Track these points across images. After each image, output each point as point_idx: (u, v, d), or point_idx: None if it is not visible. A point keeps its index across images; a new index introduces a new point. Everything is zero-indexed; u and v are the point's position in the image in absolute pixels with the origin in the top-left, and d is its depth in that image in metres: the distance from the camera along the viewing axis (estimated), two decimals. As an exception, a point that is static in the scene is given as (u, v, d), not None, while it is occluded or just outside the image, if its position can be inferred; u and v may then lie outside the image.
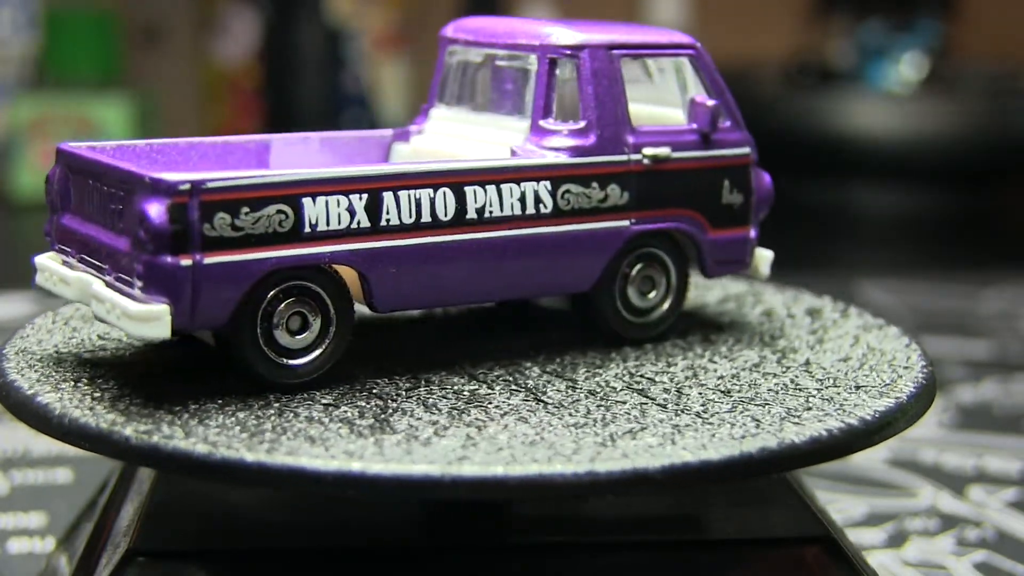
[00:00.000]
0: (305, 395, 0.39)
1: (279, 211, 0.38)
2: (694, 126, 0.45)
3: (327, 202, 0.39)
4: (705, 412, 0.39)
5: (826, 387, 0.41)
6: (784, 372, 0.42)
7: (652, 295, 0.46)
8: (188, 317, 0.37)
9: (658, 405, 0.39)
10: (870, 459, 0.66)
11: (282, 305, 0.39)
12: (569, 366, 0.42)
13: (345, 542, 0.41)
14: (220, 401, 0.38)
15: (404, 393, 0.40)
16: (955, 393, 0.77)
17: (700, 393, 0.40)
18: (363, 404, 0.39)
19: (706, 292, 0.52)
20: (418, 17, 1.44)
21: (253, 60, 1.41)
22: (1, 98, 1.36)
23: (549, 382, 0.41)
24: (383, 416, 0.38)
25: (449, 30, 0.48)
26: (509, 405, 0.39)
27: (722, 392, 0.40)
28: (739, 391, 0.41)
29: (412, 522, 0.42)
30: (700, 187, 0.45)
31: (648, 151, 0.44)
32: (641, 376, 0.42)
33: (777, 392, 0.40)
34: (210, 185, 0.37)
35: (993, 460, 0.67)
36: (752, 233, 0.47)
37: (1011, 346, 0.87)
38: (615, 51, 0.44)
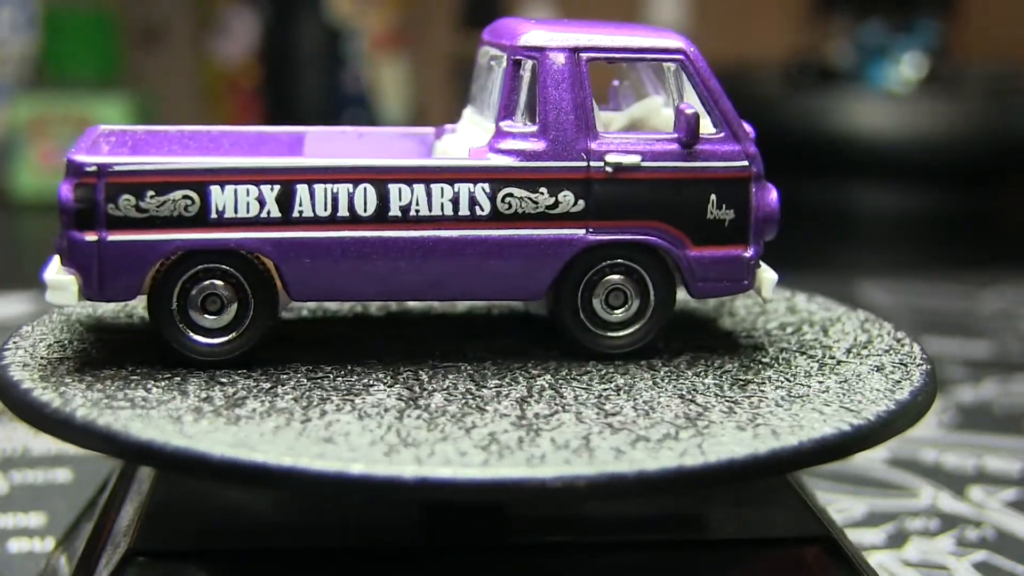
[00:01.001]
0: (306, 396, 0.39)
1: (185, 196, 0.41)
2: (675, 135, 0.43)
3: (236, 191, 0.41)
4: (705, 414, 0.39)
5: (826, 388, 0.41)
6: (784, 373, 0.42)
7: (621, 310, 0.44)
8: (96, 289, 0.41)
9: (659, 407, 0.39)
10: (870, 459, 0.66)
11: (196, 287, 0.41)
12: (569, 371, 0.42)
13: (345, 542, 0.41)
14: (221, 402, 0.38)
15: (424, 394, 0.40)
16: (955, 393, 0.77)
17: (700, 394, 0.40)
18: (382, 404, 0.39)
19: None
20: (418, 17, 1.44)
21: (253, 60, 1.41)
22: (1, 98, 1.36)
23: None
24: (401, 418, 0.38)
25: (485, 30, 0.48)
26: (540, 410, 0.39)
27: (722, 393, 0.40)
28: (739, 392, 0.41)
29: (412, 522, 0.42)
30: (677, 199, 0.43)
31: (611, 158, 0.42)
32: (642, 376, 0.42)
33: (777, 393, 0.40)
34: (116, 168, 0.40)
35: (993, 460, 0.67)
36: (749, 252, 0.44)
37: (1011, 346, 0.87)
38: (581, 54, 0.43)
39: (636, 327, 0.44)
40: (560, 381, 0.41)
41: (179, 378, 0.40)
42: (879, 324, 0.47)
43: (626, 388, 0.41)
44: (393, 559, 0.40)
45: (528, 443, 0.36)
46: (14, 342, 0.43)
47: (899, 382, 0.41)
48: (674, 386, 0.41)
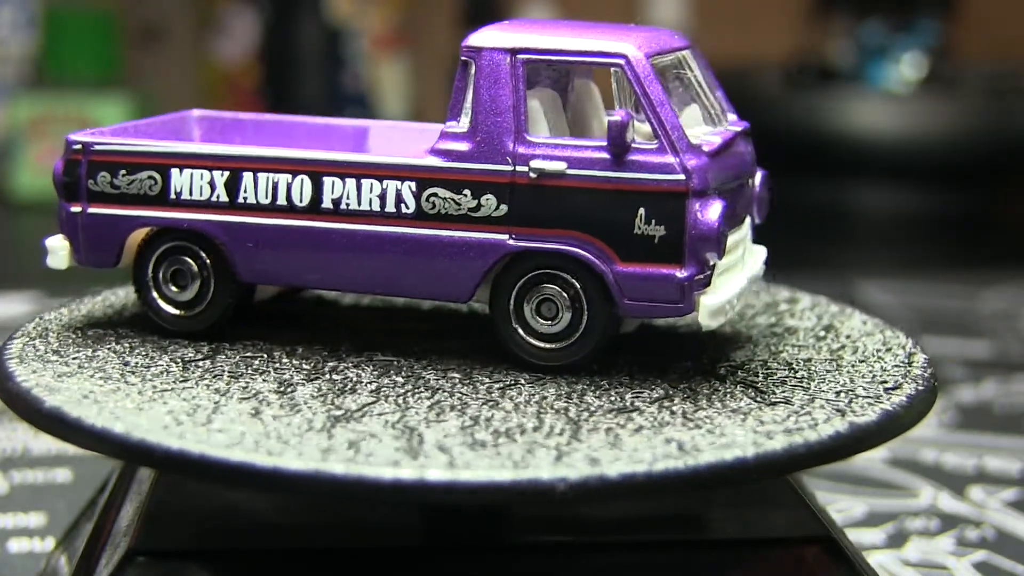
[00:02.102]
0: (307, 399, 0.39)
1: (150, 176, 0.44)
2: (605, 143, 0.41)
3: (192, 175, 0.44)
4: (706, 415, 0.39)
5: (826, 388, 0.41)
6: (784, 374, 0.42)
7: (551, 322, 0.42)
8: (81, 255, 0.45)
9: (660, 408, 0.39)
10: (870, 459, 0.66)
11: (166, 261, 0.45)
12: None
13: (345, 542, 0.41)
14: (222, 403, 0.38)
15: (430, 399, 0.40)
16: (955, 393, 0.77)
17: (700, 395, 0.40)
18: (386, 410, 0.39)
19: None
20: (418, 17, 1.44)
21: (253, 60, 1.41)
22: (1, 98, 1.36)
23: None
24: (410, 423, 0.38)
25: None
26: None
27: (722, 394, 0.40)
28: (740, 393, 0.40)
29: (412, 522, 0.42)
30: (602, 211, 0.41)
31: (535, 164, 0.41)
32: (640, 378, 0.42)
33: (777, 395, 0.40)
34: (96, 147, 0.45)
35: (993, 460, 0.67)
36: (682, 273, 0.40)
37: (1011, 346, 0.87)
38: (519, 55, 0.42)
39: (568, 342, 0.42)
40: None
41: (179, 379, 0.40)
42: (879, 324, 0.47)
43: (618, 388, 0.41)
44: (393, 559, 0.40)
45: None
46: (14, 342, 0.43)
47: (899, 382, 0.41)
48: (674, 386, 0.41)
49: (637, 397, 0.40)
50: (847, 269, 1.08)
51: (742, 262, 0.44)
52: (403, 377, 0.41)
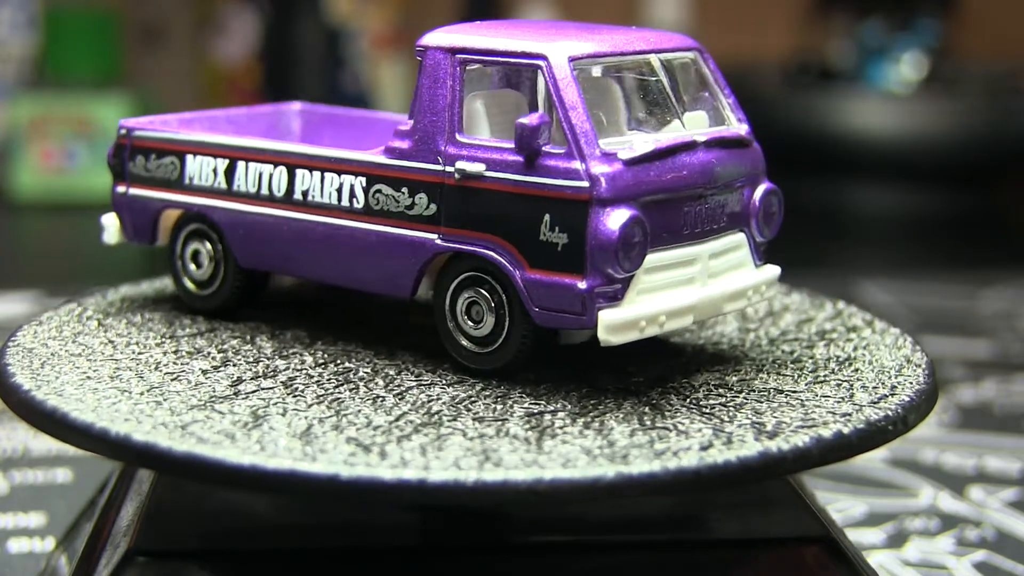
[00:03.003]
0: (307, 399, 0.39)
1: (171, 162, 0.47)
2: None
3: (201, 162, 0.46)
4: (707, 416, 0.39)
5: (828, 389, 0.41)
6: (784, 374, 0.42)
7: (480, 324, 0.41)
8: (127, 232, 0.49)
9: (661, 409, 0.39)
10: (870, 459, 0.66)
11: (188, 243, 0.48)
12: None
13: (345, 542, 0.41)
14: (222, 404, 0.38)
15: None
16: (955, 393, 0.77)
17: (701, 396, 0.40)
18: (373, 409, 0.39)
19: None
20: (418, 17, 1.44)
21: (253, 60, 1.41)
22: (1, 98, 1.36)
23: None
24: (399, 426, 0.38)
25: None
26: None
27: (724, 395, 0.40)
28: (741, 394, 0.40)
29: (412, 522, 0.42)
30: (513, 215, 0.40)
31: (460, 165, 0.41)
32: (640, 379, 0.42)
33: (779, 395, 0.40)
34: (136, 133, 0.48)
35: (993, 460, 0.67)
36: (583, 284, 0.39)
37: (1011, 346, 0.87)
38: (457, 55, 0.42)
39: (493, 347, 0.41)
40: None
41: (179, 379, 0.40)
42: (879, 324, 0.47)
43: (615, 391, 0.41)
44: (393, 559, 0.40)
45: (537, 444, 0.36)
46: (14, 342, 0.43)
47: (900, 383, 0.41)
48: (675, 387, 0.41)
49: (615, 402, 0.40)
50: (847, 269, 1.08)
51: (703, 279, 0.42)
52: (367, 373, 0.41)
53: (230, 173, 0.46)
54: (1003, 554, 0.57)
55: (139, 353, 0.43)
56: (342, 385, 0.40)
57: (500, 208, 0.40)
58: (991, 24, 1.55)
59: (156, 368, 0.41)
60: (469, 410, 0.39)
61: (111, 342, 0.44)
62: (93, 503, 0.50)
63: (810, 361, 0.44)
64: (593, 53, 0.41)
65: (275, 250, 0.45)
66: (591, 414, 0.38)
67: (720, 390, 0.41)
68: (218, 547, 0.40)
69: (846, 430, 0.37)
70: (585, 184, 0.39)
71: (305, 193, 0.44)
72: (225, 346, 0.44)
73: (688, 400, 0.40)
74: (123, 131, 0.48)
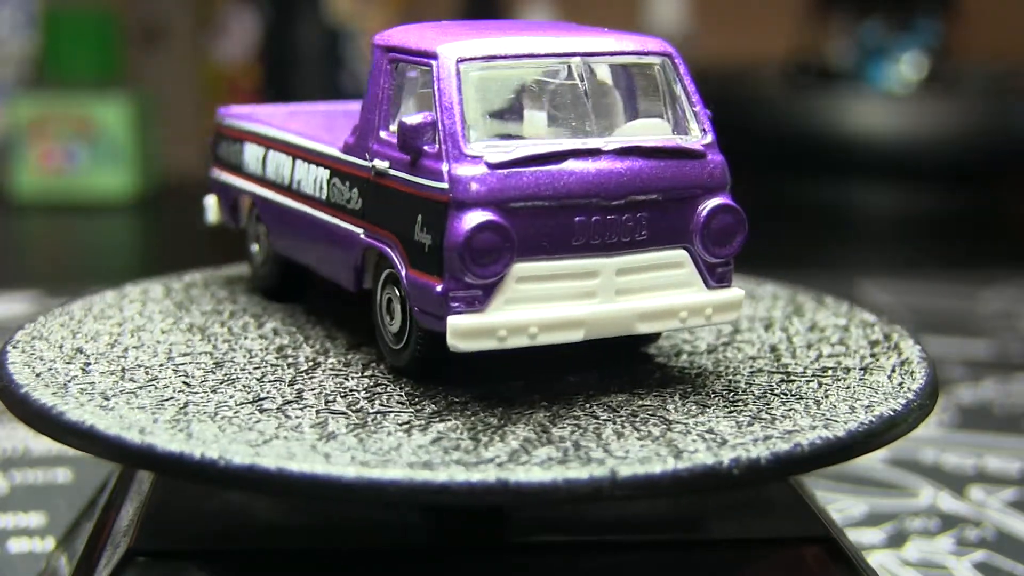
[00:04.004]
0: (307, 401, 0.39)
1: (235, 149, 0.51)
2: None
3: (252, 150, 0.49)
4: (708, 417, 0.39)
5: (829, 389, 0.41)
6: (786, 374, 0.42)
7: (394, 321, 0.41)
8: (223, 213, 0.52)
9: (661, 410, 0.39)
10: (870, 459, 0.66)
11: (253, 224, 0.51)
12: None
13: (345, 542, 0.41)
14: (223, 405, 0.38)
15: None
16: (955, 393, 0.77)
17: (703, 397, 0.40)
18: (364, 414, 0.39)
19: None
20: (418, 17, 1.44)
21: (253, 60, 1.41)
22: (1, 98, 1.36)
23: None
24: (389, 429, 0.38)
25: None
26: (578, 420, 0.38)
27: (725, 396, 0.40)
28: (742, 395, 0.40)
29: (412, 522, 0.42)
30: (401, 214, 0.40)
31: (374, 161, 0.41)
32: (640, 380, 0.42)
33: (780, 395, 0.40)
34: (222, 121, 0.52)
35: (993, 460, 0.67)
36: (440, 287, 0.38)
37: (1011, 346, 0.87)
38: (389, 54, 0.42)
39: (401, 345, 0.41)
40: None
41: (179, 380, 0.40)
42: (879, 323, 0.47)
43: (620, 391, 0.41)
44: (393, 559, 0.40)
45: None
46: (14, 342, 0.43)
47: (900, 383, 0.41)
48: (674, 387, 0.41)
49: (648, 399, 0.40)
50: (847, 269, 1.08)
51: (607, 294, 0.39)
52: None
53: (264, 161, 0.48)
54: (1003, 554, 0.57)
55: (138, 354, 0.43)
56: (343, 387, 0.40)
57: (394, 206, 0.40)
58: (991, 24, 1.55)
59: (154, 369, 0.41)
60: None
61: (110, 342, 0.44)
62: (93, 503, 0.50)
63: (808, 361, 0.44)
64: (489, 55, 0.40)
65: (285, 237, 0.47)
66: (589, 414, 0.38)
67: (719, 393, 0.41)
68: (218, 547, 0.40)
69: (846, 430, 0.37)
70: (445, 186, 0.38)
71: (299, 183, 0.46)
72: (225, 347, 0.44)
73: (690, 400, 0.40)
74: (219, 118, 0.52)
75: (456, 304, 0.38)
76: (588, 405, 0.39)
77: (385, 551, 0.40)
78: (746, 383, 0.41)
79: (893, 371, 0.42)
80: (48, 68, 1.35)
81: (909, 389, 0.40)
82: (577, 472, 0.34)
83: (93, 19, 1.36)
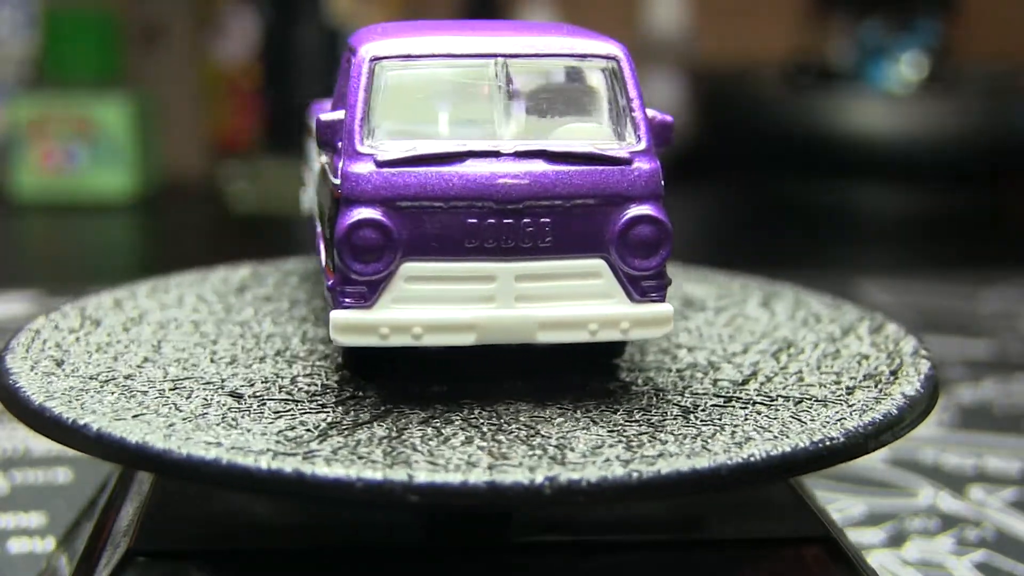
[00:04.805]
0: (307, 402, 0.39)
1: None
2: None
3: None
4: (710, 417, 0.39)
5: (830, 389, 0.41)
6: (787, 375, 0.42)
7: None
8: None
9: (657, 411, 0.39)
10: (870, 459, 0.66)
11: None
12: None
13: (345, 542, 0.41)
14: (222, 405, 0.38)
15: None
16: (955, 393, 0.77)
17: (704, 398, 0.40)
18: (363, 415, 0.39)
19: (699, 289, 0.52)
20: (417, 17, 1.44)
21: (253, 60, 1.41)
22: (1, 98, 1.36)
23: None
24: (396, 436, 0.38)
25: None
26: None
27: (726, 397, 0.40)
28: (743, 395, 0.40)
29: (412, 522, 0.42)
30: (324, 207, 0.41)
31: (321, 156, 0.42)
32: (639, 381, 0.42)
33: (780, 396, 0.40)
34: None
35: (993, 460, 0.67)
36: (329, 282, 0.39)
37: (1011, 346, 0.87)
38: (346, 51, 0.42)
39: None
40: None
41: (181, 381, 0.40)
42: (880, 323, 0.47)
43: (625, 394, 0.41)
44: (393, 559, 0.40)
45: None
46: (14, 342, 0.43)
47: (901, 383, 0.41)
48: (674, 390, 0.41)
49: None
50: (847, 269, 1.08)
51: (505, 299, 0.39)
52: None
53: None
54: (1003, 554, 0.57)
55: (137, 354, 0.43)
56: (344, 392, 0.40)
57: (321, 200, 0.41)
58: (991, 24, 1.55)
59: (153, 369, 0.41)
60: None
61: (110, 343, 0.44)
62: (93, 503, 0.50)
63: (810, 360, 0.44)
64: (404, 54, 0.40)
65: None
66: (632, 409, 0.39)
67: (720, 394, 0.41)
68: (218, 547, 0.40)
69: (846, 430, 0.37)
70: (338, 182, 0.38)
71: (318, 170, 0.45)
72: (224, 347, 0.44)
73: (690, 404, 0.40)
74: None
75: (345, 299, 0.38)
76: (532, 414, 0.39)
77: (385, 551, 0.40)
78: (744, 382, 0.41)
79: (893, 371, 0.42)
80: (48, 68, 1.35)
81: (909, 389, 0.40)
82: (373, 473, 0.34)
83: (93, 19, 1.36)
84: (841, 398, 0.40)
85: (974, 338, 0.89)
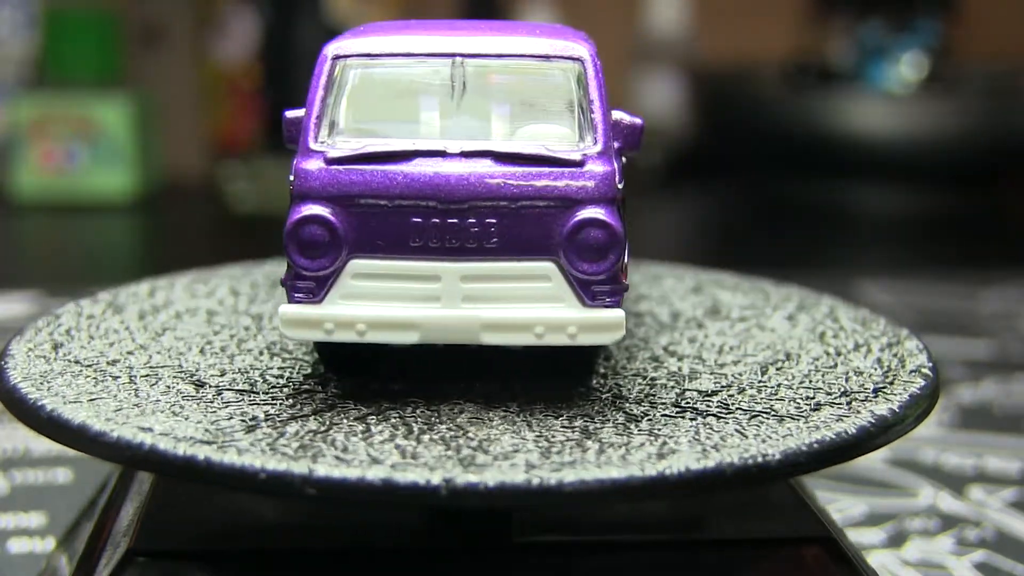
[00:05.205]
0: (262, 394, 0.39)
1: None
2: None
3: None
4: (651, 428, 0.38)
5: (830, 389, 0.41)
6: (787, 375, 0.42)
7: None
8: None
9: (655, 411, 0.39)
10: (870, 459, 0.66)
11: None
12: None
13: (345, 542, 0.41)
14: (179, 394, 0.39)
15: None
16: (955, 393, 0.77)
17: (659, 408, 0.40)
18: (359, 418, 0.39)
19: (696, 294, 0.52)
20: (417, 17, 1.44)
21: (253, 60, 1.41)
22: (1, 98, 1.36)
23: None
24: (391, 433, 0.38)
25: None
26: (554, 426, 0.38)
27: (682, 408, 0.40)
28: (702, 406, 0.40)
29: (412, 522, 0.42)
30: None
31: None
32: (639, 382, 0.42)
33: (781, 396, 0.40)
34: None
35: (993, 460, 0.67)
36: (284, 276, 0.40)
37: (1011, 346, 0.87)
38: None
39: None
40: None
41: (181, 382, 0.41)
42: (879, 323, 0.47)
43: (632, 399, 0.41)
44: (393, 559, 0.40)
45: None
46: (14, 343, 0.43)
47: (901, 383, 0.41)
48: (635, 398, 0.41)
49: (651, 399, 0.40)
50: (847, 269, 1.08)
51: (451, 299, 0.39)
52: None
53: None
54: (1003, 554, 0.57)
55: (136, 355, 0.43)
56: (341, 396, 0.41)
57: None
58: (991, 24, 1.55)
59: (153, 369, 0.41)
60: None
61: (109, 343, 0.44)
62: (93, 503, 0.50)
63: (809, 361, 0.43)
64: (363, 53, 0.40)
65: None
66: (577, 415, 0.38)
67: (721, 394, 0.41)
68: (218, 547, 0.40)
69: (847, 430, 0.37)
70: (292, 178, 0.39)
71: None
72: (222, 337, 0.44)
73: (640, 413, 0.40)
74: None
75: (296, 293, 0.39)
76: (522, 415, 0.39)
77: (385, 551, 0.40)
78: (712, 393, 0.41)
79: (893, 371, 0.42)
80: (48, 68, 1.35)
81: (909, 389, 0.40)
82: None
83: (93, 19, 1.36)
84: (803, 414, 0.39)
85: (974, 338, 0.89)
